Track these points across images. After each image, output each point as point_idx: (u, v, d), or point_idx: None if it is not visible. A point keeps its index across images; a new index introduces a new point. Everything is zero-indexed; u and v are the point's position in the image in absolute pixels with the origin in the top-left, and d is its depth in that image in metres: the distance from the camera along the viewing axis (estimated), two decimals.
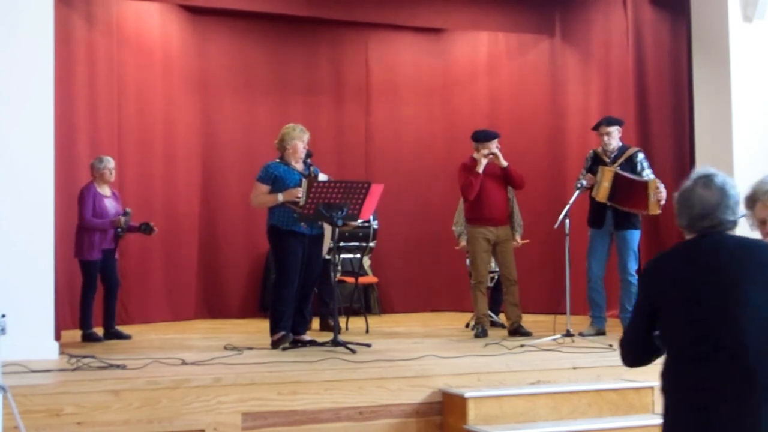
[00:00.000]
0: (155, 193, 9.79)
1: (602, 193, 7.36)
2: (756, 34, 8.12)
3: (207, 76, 10.58)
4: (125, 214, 7.82)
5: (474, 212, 7.74)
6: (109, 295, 7.88)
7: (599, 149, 7.68)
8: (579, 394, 5.40)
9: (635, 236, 7.55)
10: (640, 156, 7.61)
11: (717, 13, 8.17)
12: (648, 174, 7.51)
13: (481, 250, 7.66)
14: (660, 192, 7.21)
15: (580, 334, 7.27)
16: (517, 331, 7.51)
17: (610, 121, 7.69)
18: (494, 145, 7.70)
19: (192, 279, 10.25)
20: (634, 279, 7.53)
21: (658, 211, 7.36)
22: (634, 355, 2.97)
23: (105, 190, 7.84)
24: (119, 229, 7.76)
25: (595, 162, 7.59)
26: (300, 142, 6.78)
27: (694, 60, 8.49)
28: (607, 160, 7.53)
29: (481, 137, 7.77)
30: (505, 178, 7.71)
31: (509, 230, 7.80)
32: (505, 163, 7.67)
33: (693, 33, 8.49)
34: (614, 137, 7.58)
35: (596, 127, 7.71)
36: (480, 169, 7.61)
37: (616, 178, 7.35)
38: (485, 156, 7.63)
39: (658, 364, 2.93)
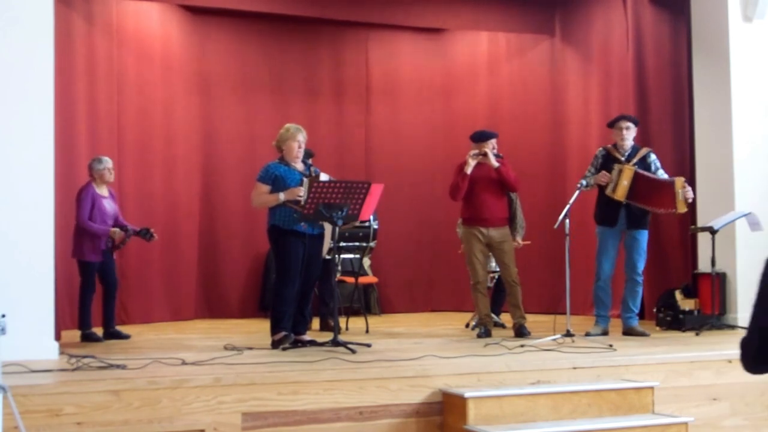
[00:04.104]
0: (155, 193, 9.79)
1: (621, 192, 7.29)
2: (756, 34, 8.12)
3: (207, 76, 10.58)
4: (124, 230, 7.71)
5: (467, 212, 7.71)
6: (108, 295, 7.87)
7: (610, 147, 7.63)
8: (579, 394, 5.40)
9: (646, 236, 7.53)
10: (653, 156, 7.58)
11: (717, 13, 8.17)
12: (662, 174, 7.50)
13: (476, 250, 7.61)
14: (687, 190, 7.23)
15: (587, 334, 7.26)
16: (519, 332, 7.48)
17: (630, 118, 7.68)
18: (489, 146, 7.64)
19: (192, 279, 10.25)
20: (641, 279, 7.53)
21: (685, 209, 7.36)
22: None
23: (103, 191, 7.82)
24: (109, 241, 7.66)
25: (608, 160, 7.52)
26: (294, 141, 6.75)
27: (694, 60, 8.50)
28: (622, 159, 7.48)
29: (477, 138, 7.74)
30: (499, 179, 7.68)
31: (505, 232, 7.70)
32: (495, 164, 7.59)
33: (693, 33, 8.49)
34: (632, 134, 7.54)
35: (613, 123, 7.64)
36: (468, 170, 7.54)
37: (636, 177, 7.32)
38: (473, 156, 7.59)
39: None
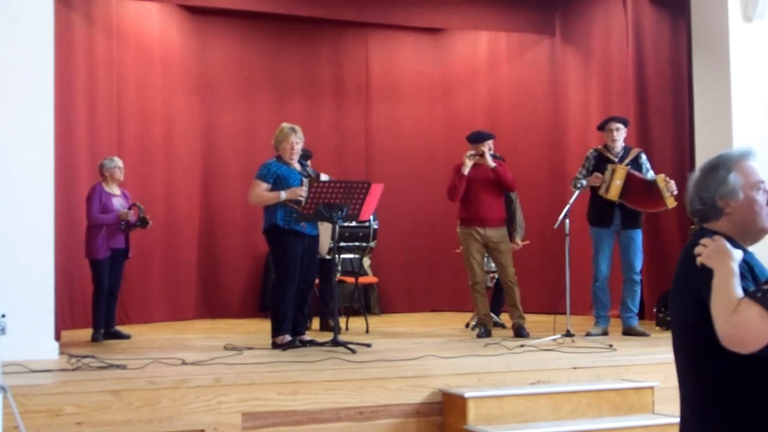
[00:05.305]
0: (155, 193, 9.79)
1: (614, 191, 7.31)
2: (756, 34, 8.11)
3: (207, 76, 10.59)
4: (131, 207, 7.86)
5: (464, 212, 7.70)
6: (109, 294, 7.88)
7: (601, 148, 7.65)
8: (579, 394, 5.40)
9: (641, 235, 7.54)
10: (644, 157, 7.62)
11: (717, 13, 8.16)
12: (652, 175, 7.50)
13: (473, 250, 7.60)
14: (671, 183, 7.22)
15: (588, 335, 7.25)
16: (518, 333, 7.46)
17: (619, 119, 7.68)
18: (486, 147, 7.63)
19: (192, 279, 10.26)
20: (639, 278, 7.52)
21: (675, 203, 7.34)
22: None
23: (114, 189, 7.92)
24: (122, 223, 7.76)
25: (600, 161, 7.54)
26: (287, 143, 6.73)
27: (694, 60, 8.49)
28: (615, 160, 7.50)
29: (474, 138, 7.74)
30: (496, 179, 7.67)
31: (502, 233, 7.68)
32: (492, 164, 7.58)
33: (693, 33, 8.49)
34: (622, 135, 7.56)
35: (603, 125, 7.67)
36: (465, 171, 7.53)
37: (629, 177, 7.34)
38: (469, 157, 7.58)
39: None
